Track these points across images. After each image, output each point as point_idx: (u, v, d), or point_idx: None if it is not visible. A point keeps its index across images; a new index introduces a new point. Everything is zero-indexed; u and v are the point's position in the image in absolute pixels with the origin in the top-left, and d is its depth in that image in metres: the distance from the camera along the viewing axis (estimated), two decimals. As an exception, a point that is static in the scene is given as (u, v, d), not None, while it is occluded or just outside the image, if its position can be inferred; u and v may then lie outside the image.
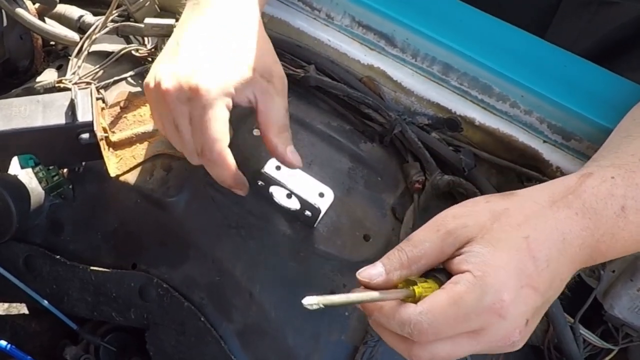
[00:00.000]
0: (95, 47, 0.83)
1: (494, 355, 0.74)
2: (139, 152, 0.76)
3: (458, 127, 0.81)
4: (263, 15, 0.87)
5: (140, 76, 0.82)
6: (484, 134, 0.80)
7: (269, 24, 0.87)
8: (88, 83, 0.77)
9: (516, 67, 0.75)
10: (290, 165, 0.66)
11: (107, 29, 0.81)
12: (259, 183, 0.71)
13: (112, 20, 0.82)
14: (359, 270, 0.53)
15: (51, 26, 0.82)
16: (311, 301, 0.47)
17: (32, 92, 0.78)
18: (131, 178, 0.75)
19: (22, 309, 0.89)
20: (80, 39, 0.81)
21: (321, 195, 0.71)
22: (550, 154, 0.76)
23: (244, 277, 0.71)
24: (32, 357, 0.74)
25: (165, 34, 0.81)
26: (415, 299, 0.50)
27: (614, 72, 0.75)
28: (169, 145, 0.76)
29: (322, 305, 0.47)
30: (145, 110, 0.79)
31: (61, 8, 0.88)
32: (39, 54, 0.89)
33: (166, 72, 0.61)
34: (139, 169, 0.75)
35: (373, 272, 0.52)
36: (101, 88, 0.80)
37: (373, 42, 0.83)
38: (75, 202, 0.77)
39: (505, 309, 0.48)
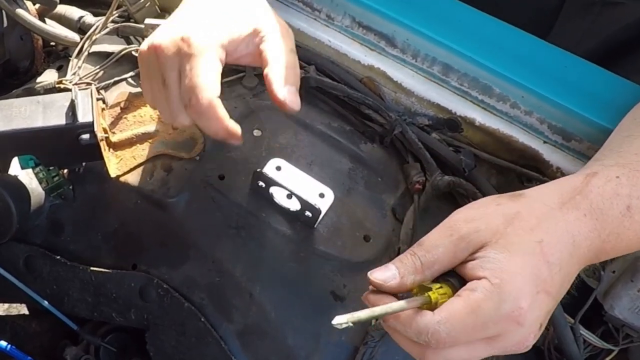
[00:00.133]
0: (96, 48, 0.83)
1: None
2: (139, 152, 0.76)
3: (458, 127, 0.81)
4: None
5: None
6: (484, 135, 0.80)
7: (269, 24, 0.87)
8: (88, 84, 0.77)
9: (516, 67, 0.75)
10: (285, 107, 0.60)
11: (107, 30, 0.81)
12: (259, 184, 0.71)
13: (113, 21, 0.82)
14: (371, 272, 0.52)
15: (51, 27, 0.82)
16: (340, 320, 0.47)
17: (33, 92, 0.78)
18: (131, 179, 0.75)
19: (22, 309, 0.89)
20: (81, 39, 0.81)
21: (321, 195, 0.71)
22: (551, 155, 0.76)
23: (244, 277, 0.71)
24: (32, 358, 0.74)
25: (165, 34, 0.81)
26: (431, 306, 0.50)
27: (618, 73, 0.75)
28: (170, 146, 0.76)
29: (351, 324, 0.47)
30: (145, 111, 0.79)
31: (61, 9, 0.88)
32: (39, 55, 0.89)
33: (159, 32, 0.61)
34: (139, 169, 0.75)
35: (387, 274, 0.51)
36: (101, 89, 0.80)
37: (373, 42, 0.83)
38: (76, 203, 0.77)
39: (523, 316, 0.48)
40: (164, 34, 0.60)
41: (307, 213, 0.71)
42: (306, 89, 0.85)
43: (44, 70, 0.87)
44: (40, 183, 0.74)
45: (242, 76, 0.84)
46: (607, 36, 0.87)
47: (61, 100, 0.69)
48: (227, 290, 0.71)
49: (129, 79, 0.82)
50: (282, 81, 0.60)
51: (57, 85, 0.77)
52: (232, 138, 0.59)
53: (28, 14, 0.79)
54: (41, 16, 0.85)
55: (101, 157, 0.72)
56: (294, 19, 0.86)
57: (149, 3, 0.82)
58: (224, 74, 0.83)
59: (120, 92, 0.81)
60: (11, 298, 0.80)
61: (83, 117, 0.68)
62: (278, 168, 0.71)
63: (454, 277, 0.51)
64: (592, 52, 0.83)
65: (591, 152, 0.74)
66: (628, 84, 0.74)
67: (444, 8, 0.79)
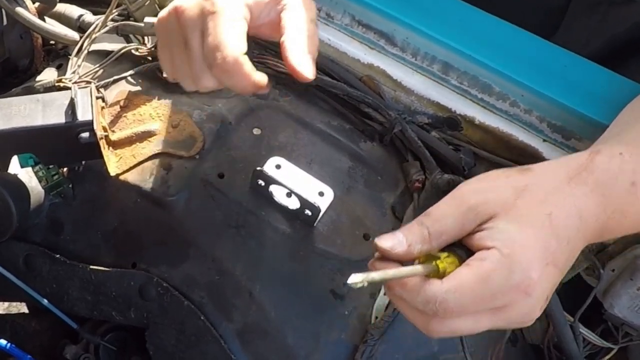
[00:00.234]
0: (95, 46, 0.83)
1: (494, 351, 0.74)
2: (139, 151, 0.76)
3: (458, 126, 0.81)
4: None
5: (140, 75, 0.82)
6: (483, 133, 0.80)
7: (269, 23, 0.87)
8: (88, 82, 0.77)
9: (516, 66, 0.75)
10: (299, 76, 0.58)
11: (107, 28, 0.81)
12: (259, 182, 0.71)
13: (112, 20, 0.82)
14: (378, 237, 0.51)
15: (51, 25, 0.82)
16: (356, 279, 0.47)
17: (32, 91, 0.78)
18: (131, 177, 0.75)
19: (22, 308, 0.89)
20: (80, 38, 0.81)
21: (321, 194, 0.71)
22: (550, 153, 0.76)
23: (244, 276, 0.71)
24: (32, 356, 0.74)
25: (165, 33, 0.81)
26: (438, 275, 0.49)
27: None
28: (169, 144, 0.76)
29: (365, 284, 0.47)
30: (145, 110, 0.79)
31: (61, 7, 0.88)
32: (38, 53, 0.89)
33: None
34: (138, 168, 0.75)
35: (394, 241, 0.50)
36: (101, 87, 0.80)
37: (373, 41, 0.83)
38: (75, 201, 0.77)
39: (532, 287, 0.48)
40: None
41: (307, 211, 0.71)
42: (306, 88, 0.85)
43: (44, 68, 0.87)
44: (40, 182, 0.74)
45: (242, 75, 0.83)
46: (613, 36, 0.86)
47: (61, 99, 0.69)
48: (227, 289, 0.71)
49: (129, 78, 0.82)
50: (299, 49, 0.58)
51: (56, 84, 0.77)
52: (261, 89, 0.58)
53: (28, 12, 0.79)
54: (41, 15, 0.85)
55: (101, 156, 0.72)
56: (294, 17, 0.86)
57: (148, 1, 0.82)
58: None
59: (119, 90, 0.81)
60: (11, 297, 0.80)
61: (83, 115, 0.68)
62: (278, 166, 0.71)
63: (461, 249, 0.51)
64: (599, 52, 0.82)
65: (591, 151, 0.74)
66: (627, 82, 0.74)
67: (443, 6, 0.78)
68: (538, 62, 0.75)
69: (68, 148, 0.70)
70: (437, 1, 0.79)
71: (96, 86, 0.78)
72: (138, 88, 0.81)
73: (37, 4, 0.84)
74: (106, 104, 0.79)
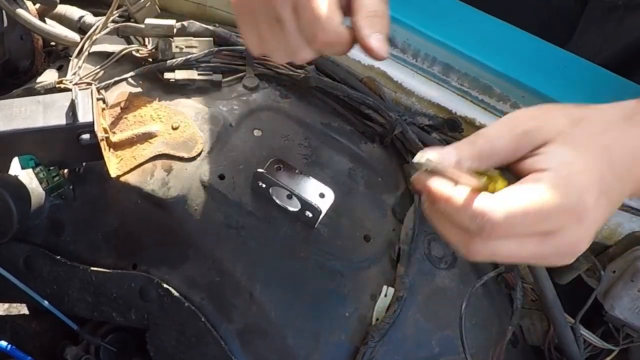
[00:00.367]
0: (96, 48, 0.83)
1: (494, 353, 0.74)
2: (140, 152, 0.76)
3: (458, 127, 0.81)
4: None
5: (141, 77, 0.82)
6: (484, 135, 0.80)
7: (270, 24, 0.87)
8: (89, 83, 0.77)
9: (517, 67, 0.75)
10: (373, 54, 0.56)
11: (107, 30, 0.81)
12: (260, 184, 0.71)
13: (113, 21, 0.82)
14: (427, 148, 0.49)
15: (52, 27, 0.82)
16: (421, 158, 0.46)
17: (33, 92, 0.78)
18: (131, 178, 0.75)
19: (22, 309, 0.89)
20: (81, 39, 0.81)
21: (321, 195, 0.71)
22: (551, 155, 0.76)
23: (244, 277, 0.71)
24: (32, 358, 0.73)
25: (165, 34, 0.81)
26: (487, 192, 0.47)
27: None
28: (170, 146, 0.76)
29: (430, 165, 0.46)
30: (145, 111, 0.79)
31: (62, 8, 0.88)
32: (39, 55, 0.89)
33: None
34: (139, 169, 0.75)
35: (444, 154, 0.48)
36: (102, 88, 0.80)
37: (373, 42, 0.83)
38: (76, 203, 0.77)
39: (586, 213, 0.46)
40: None
41: (307, 213, 0.71)
42: (306, 89, 0.85)
43: (44, 70, 0.87)
44: (41, 183, 0.74)
45: (242, 76, 0.84)
46: (627, 43, 0.85)
47: (61, 100, 0.69)
48: (227, 290, 0.71)
49: (130, 79, 0.82)
50: (371, 28, 0.57)
51: (57, 85, 0.77)
52: (379, 57, 0.56)
53: (28, 13, 0.79)
54: (41, 16, 0.85)
55: (101, 157, 0.72)
56: (294, 18, 0.86)
57: (149, 3, 0.82)
58: (224, 75, 0.84)
59: (120, 92, 0.81)
60: (11, 298, 0.80)
61: (83, 117, 0.68)
62: (278, 168, 0.71)
63: (510, 174, 0.49)
64: (614, 58, 0.81)
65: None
66: (629, 84, 0.74)
67: (443, 8, 0.79)
68: (539, 64, 0.75)
69: (69, 149, 0.70)
70: (438, 2, 0.79)
71: (97, 87, 0.78)
72: (139, 89, 0.82)
73: (37, 5, 0.84)
74: (107, 106, 0.79)
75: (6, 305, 0.89)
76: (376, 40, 0.56)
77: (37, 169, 0.73)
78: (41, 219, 0.76)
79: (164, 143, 0.76)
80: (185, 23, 0.84)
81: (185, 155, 0.75)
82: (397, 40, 0.80)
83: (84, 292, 0.75)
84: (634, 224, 0.75)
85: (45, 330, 0.86)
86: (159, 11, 0.84)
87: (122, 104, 0.80)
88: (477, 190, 0.46)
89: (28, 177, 0.74)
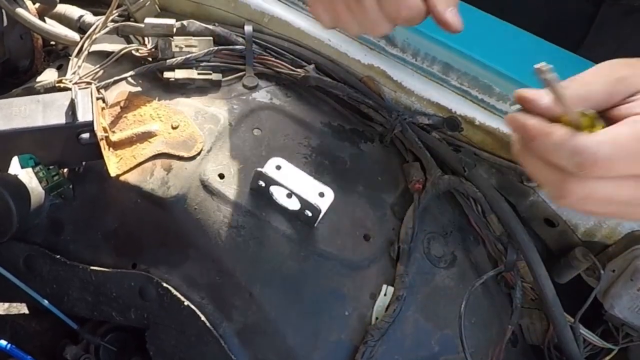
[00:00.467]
0: (96, 47, 0.83)
1: (494, 352, 0.74)
2: (139, 151, 0.76)
3: (458, 126, 0.81)
4: (263, 14, 0.87)
5: (141, 76, 0.82)
6: (484, 134, 0.80)
7: (270, 23, 0.87)
8: (88, 83, 0.77)
9: (516, 66, 0.75)
10: (448, 27, 0.58)
11: (107, 29, 0.81)
12: (259, 183, 0.71)
13: (113, 20, 0.82)
14: (520, 89, 0.48)
15: (51, 26, 0.82)
16: (543, 66, 0.45)
17: (33, 91, 0.78)
18: (131, 178, 0.75)
19: (22, 308, 0.89)
20: (81, 38, 0.81)
21: (321, 195, 0.71)
22: (551, 154, 0.76)
23: (244, 276, 0.71)
24: (32, 357, 0.74)
25: (165, 33, 0.81)
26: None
27: None
28: (170, 145, 0.76)
29: (548, 74, 0.45)
30: (145, 110, 0.79)
31: (61, 8, 0.88)
32: (39, 54, 0.89)
33: None
34: (139, 168, 0.75)
35: (538, 94, 0.48)
36: (101, 88, 0.80)
37: (373, 41, 0.83)
38: (76, 202, 0.77)
39: None
40: None
41: (307, 212, 0.71)
42: (306, 88, 0.85)
43: (44, 69, 0.87)
44: (40, 182, 0.74)
45: (242, 75, 0.84)
46: None
47: (61, 100, 0.69)
48: (227, 290, 0.71)
49: (129, 79, 0.82)
50: (446, 3, 0.58)
51: (57, 85, 0.77)
52: (453, 29, 0.58)
53: (28, 13, 0.79)
54: (41, 15, 0.85)
55: (101, 157, 0.72)
56: (294, 17, 0.86)
57: (149, 2, 0.82)
58: (224, 74, 0.84)
59: (120, 91, 0.81)
60: (11, 297, 0.81)
61: (83, 116, 0.68)
62: (278, 167, 0.71)
63: (603, 120, 0.47)
64: None
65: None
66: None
67: (443, 7, 0.78)
68: (537, 62, 0.75)
69: (68, 149, 0.70)
70: (437, 2, 0.79)
71: (96, 87, 0.78)
72: (138, 89, 0.82)
73: (37, 4, 0.84)
74: (106, 105, 0.79)
75: (6, 304, 0.89)
76: (451, 14, 0.58)
77: (37, 168, 0.73)
78: (41, 219, 0.76)
79: (164, 142, 0.76)
80: (184, 22, 0.84)
81: (185, 155, 0.75)
82: (396, 39, 0.80)
83: (84, 292, 0.75)
84: (633, 223, 0.75)
85: (45, 330, 0.86)
86: (159, 10, 0.84)
87: (122, 103, 0.80)
88: (575, 127, 0.45)
89: (28, 177, 0.74)
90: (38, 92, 0.77)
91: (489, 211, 0.77)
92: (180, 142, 0.76)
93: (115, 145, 0.77)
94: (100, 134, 0.70)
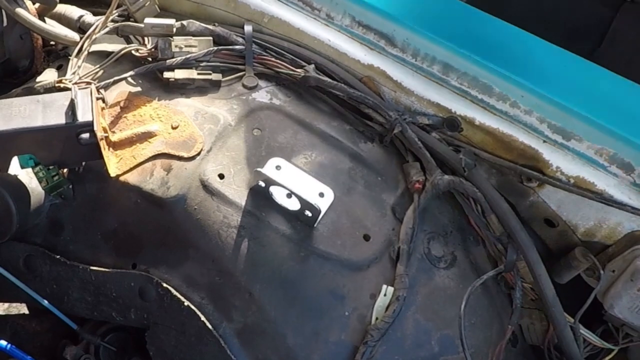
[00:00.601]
0: (96, 47, 0.83)
1: (494, 353, 0.74)
2: (139, 152, 0.76)
3: (458, 127, 0.81)
4: (263, 14, 0.87)
5: (141, 76, 0.82)
6: (484, 134, 0.80)
7: (269, 24, 0.87)
8: (88, 83, 0.77)
9: (516, 66, 0.75)
10: None
11: (107, 29, 0.81)
12: (259, 183, 0.71)
13: (112, 20, 0.82)
14: None
15: (51, 26, 0.82)
16: None
17: (32, 92, 0.78)
18: (131, 178, 0.75)
19: (22, 309, 0.89)
20: (81, 39, 0.81)
21: (321, 195, 0.71)
22: (550, 154, 0.76)
23: (244, 277, 0.71)
24: (32, 357, 0.74)
25: (165, 33, 0.81)
26: None
27: None
28: (169, 145, 0.76)
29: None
30: (145, 110, 0.79)
31: (61, 8, 0.88)
32: (39, 54, 0.89)
33: None
34: (139, 168, 0.75)
35: None
36: (101, 88, 0.80)
37: (373, 42, 0.83)
38: (75, 202, 0.77)
39: None
40: None
41: (307, 212, 0.71)
42: (306, 88, 0.85)
43: (44, 69, 0.87)
44: (40, 182, 0.74)
45: (242, 76, 0.84)
46: None
47: (61, 100, 0.69)
48: (227, 290, 0.71)
49: (129, 79, 0.82)
50: None
51: (56, 85, 0.77)
52: None
53: (28, 13, 0.79)
54: (41, 15, 0.85)
55: (101, 157, 0.72)
56: (294, 17, 0.86)
57: (148, 2, 0.82)
58: (224, 74, 0.84)
59: (120, 91, 0.81)
60: (11, 298, 0.81)
61: (83, 116, 0.68)
62: (278, 167, 0.71)
63: None
64: None
65: (591, 152, 0.74)
66: (628, 83, 0.74)
67: (442, 7, 0.79)
68: (538, 63, 0.75)
69: (68, 149, 0.70)
70: (437, 2, 0.79)
71: (96, 87, 0.78)
72: (138, 89, 0.81)
73: (37, 4, 0.84)
74: (106, 105, 0.79)
75: (6, 305, 0.89)
76: None
77: (37, 168, 0.73)
78: (41, 219, 0.76)
79: (164, 142, 0.76)
80: (184, 22, 0.84)
81: (185, 155, 0.75)
82: (396, 39, 0.80)
83: (84, 292, 0.75)
84: (633, 224, 0.75)
85: (45, 330, 0.86)
86: (159, 10, 0.84)
87: (122, 104, 0.80)
88: None
89: (28, 177, 0.74)
90: (38, 92, 0.77)
91: (489, 211, 0.77)
92: (180, 142, 0.76)
93: (115, 146, 0.77)
94: (100, 134, 0.70)
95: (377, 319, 0.71)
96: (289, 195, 0.71)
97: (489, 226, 0.78)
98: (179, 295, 0.71)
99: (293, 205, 0.72)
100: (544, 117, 0.75)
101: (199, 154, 0.75)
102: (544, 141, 0.77)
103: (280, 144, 0.78)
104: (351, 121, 0.84)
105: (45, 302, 0.75)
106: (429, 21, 0.77)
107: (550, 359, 0.79)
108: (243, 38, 0.85)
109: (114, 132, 0.78)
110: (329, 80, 0.83)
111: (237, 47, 0.85)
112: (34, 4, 0.84)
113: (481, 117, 0.79)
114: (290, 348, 0.69)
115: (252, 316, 0.70)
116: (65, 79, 0.77)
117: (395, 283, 0.72)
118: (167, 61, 0.81)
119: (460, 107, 0.80)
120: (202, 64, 0.83)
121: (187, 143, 0.76)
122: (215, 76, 0.82)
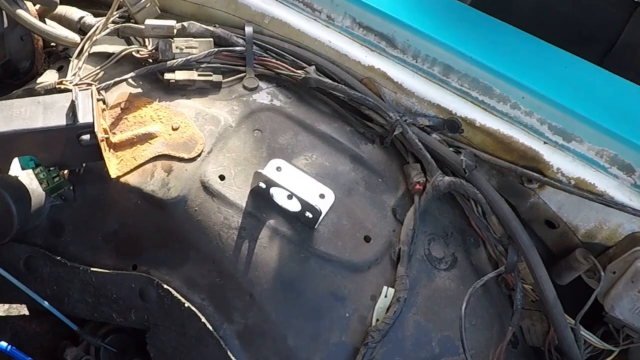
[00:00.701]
0: (96, 49, 0.83)
1: (494, 354, 0.74)
2: (140, 153, 0.76)
3: (459, 128, 0.81)
4: (264, 16, 0.87)
5: (141, 77, 0.82)
6: (484, 135, 0.80)
7: (270, 25, 0.88)
8: (89, 84, 0.77)
9: (517, 68, 0.75)
10: None
11: (107, 31, 0.81)
12: (260, 184, 0.71)
13: (113, 22, 0.82)
14: None
15: (52, 27, 0.82)
16: None
17: (33, 93, 0.78)
18: (132, 179, 0.75)
19: (22, 310, 0.89)
20: (81, 40, 0.81)
21: (322, 196, 0.71)
22: (551, 155, 0.76)
23: (245, 278, 0.71)
24: (32, 359, 0.74)
25: (165, 35, 0.81)
26: None
27: None
28: (170, 147, 0.76)
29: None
30: (145, 112, 0.79)
31: (62, 9, 0.88)
32: (39, 55, 0.89)
33: None
34: (139, 170, 0.75)
35: None
36: (102, 89, 0.80)
37: (374, 43, 0.83)
38: (76, 204, 0.77)
39: None
40: None
41: (308, 214, 0.71)
42: (306, 90, 0.85)
43: (45, 70, 0.87)
44: (41, 184, 0.74)
45: (243, 77, 0.84)
46: None
47: (62, 101, 0.69)
48: (228, 291, 0.71)
49: (130, 80, 0.82)
50: None
51: (57, 86, 0.77)
52: None
53: (28, 14, 0.79)
54: (41, 17, 0.85)
55: (101, 158, 0.72)
56: (295, 19, 0.86)
57: (149, 3, 0.82)
58: (224, 75, 0.84)
59: (120, 92, 0.81)
60: (12, 299, 0.81)
61: (83, 117, 0.68)
62: (278, 169, 0.71)
63: None
64: None
65: (591, 153, 0.74)
66: (628, 85, 0.74)
67: (443, 8, 0.79)
68: (538, 64, 0.75)
69: (69, 150, 0.70)
70: (437, 3, 0.79)
71: (97, 88, 0.78)
72: (139, 90, 0.82)
73: (37, 6, 0.84)
74: (107, 106, 0.79)
75: (6, 306, 0.89)
76: None
77: (37, 170, 0.73)
78: (41, 220, 0.76)
79: (164, 144, 0.76)
80: (185, 24, 0.84)
81: (186, 156, 0.75)
82: (397, 40, 0.80)
83: (84, 293, 0.75)
84: (634, 225, 0.75)
85: (45, 331, 0.86)
86: (159, 12, 0.84)
87: (122, 105, 0.80)
88: None
89: (28, 178, 0.74)
90: (39, 94, 0.77)
91: (490, 213, 0.77)
92: (180, 144, 0.76)
93: (116, 147, 0.77)
94: (100, 135, 0.70)
95: (377, 320, 0.71)
96: (289, 197, 0.71)
97: (490, 227, 0.78)
98: (179, 297, 0.71)
99: (294, 206, 0.72)
100: (545, 119, 0.75)
101: (199, 155, 0.75)
102: (545, 142, 0.77)
103: (281, 145, 0.78)
104: (352, 122, 0.84)
105: (46, 303, 0.75)
106: (430, 22, 0.77)
107: (551, 361, 0.79)
108: (244, 39, 0.85)
109: (114, 133, 0.78)
110: (330, 81, 0.83)
111: (237, 48, 0.85)
112: (34, 5, 0.84)
113: (482, 119, 0.79)
114: (291, 349, 0.69)
115: (253, 317, 0.70)
116: (66, 80, 0.77)
117: (395, 284, 0.72)
118: (168, 62, 0.81)
119: (461, 109, 0.80)
120: (202, 65, 0.83)
121: (187, 144, 0.76)
122: (216, 77, 0.82)
